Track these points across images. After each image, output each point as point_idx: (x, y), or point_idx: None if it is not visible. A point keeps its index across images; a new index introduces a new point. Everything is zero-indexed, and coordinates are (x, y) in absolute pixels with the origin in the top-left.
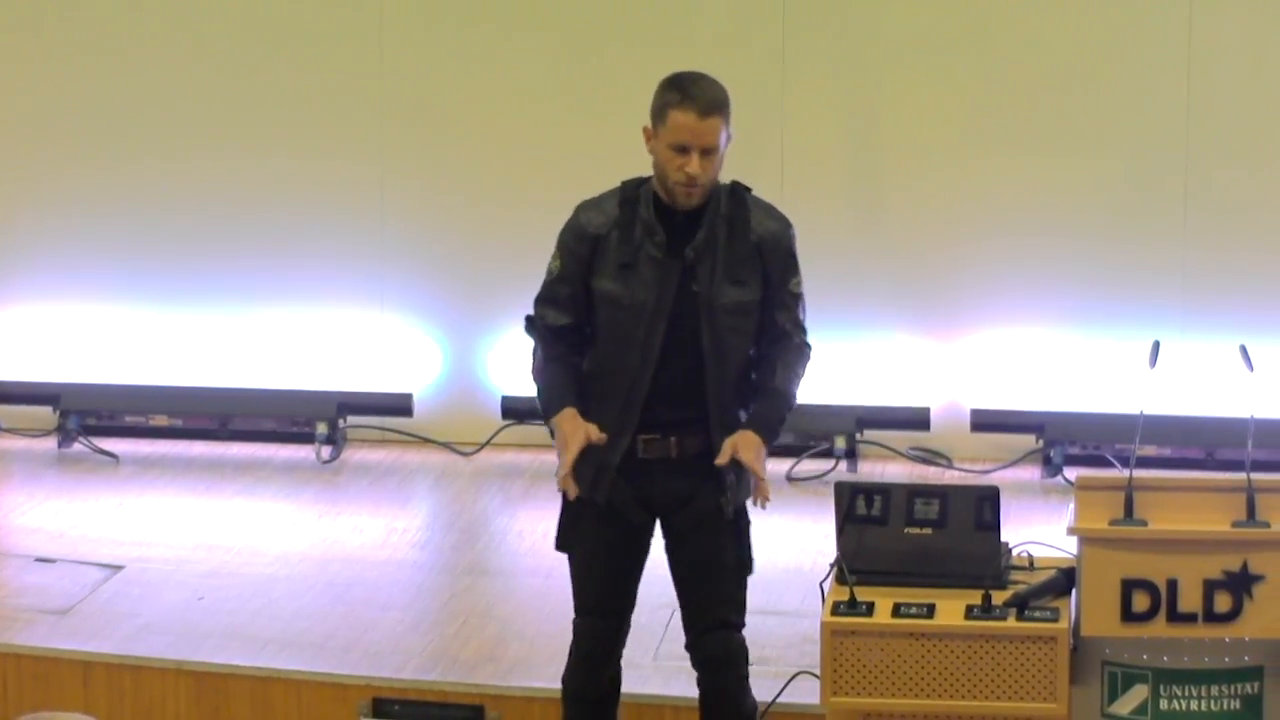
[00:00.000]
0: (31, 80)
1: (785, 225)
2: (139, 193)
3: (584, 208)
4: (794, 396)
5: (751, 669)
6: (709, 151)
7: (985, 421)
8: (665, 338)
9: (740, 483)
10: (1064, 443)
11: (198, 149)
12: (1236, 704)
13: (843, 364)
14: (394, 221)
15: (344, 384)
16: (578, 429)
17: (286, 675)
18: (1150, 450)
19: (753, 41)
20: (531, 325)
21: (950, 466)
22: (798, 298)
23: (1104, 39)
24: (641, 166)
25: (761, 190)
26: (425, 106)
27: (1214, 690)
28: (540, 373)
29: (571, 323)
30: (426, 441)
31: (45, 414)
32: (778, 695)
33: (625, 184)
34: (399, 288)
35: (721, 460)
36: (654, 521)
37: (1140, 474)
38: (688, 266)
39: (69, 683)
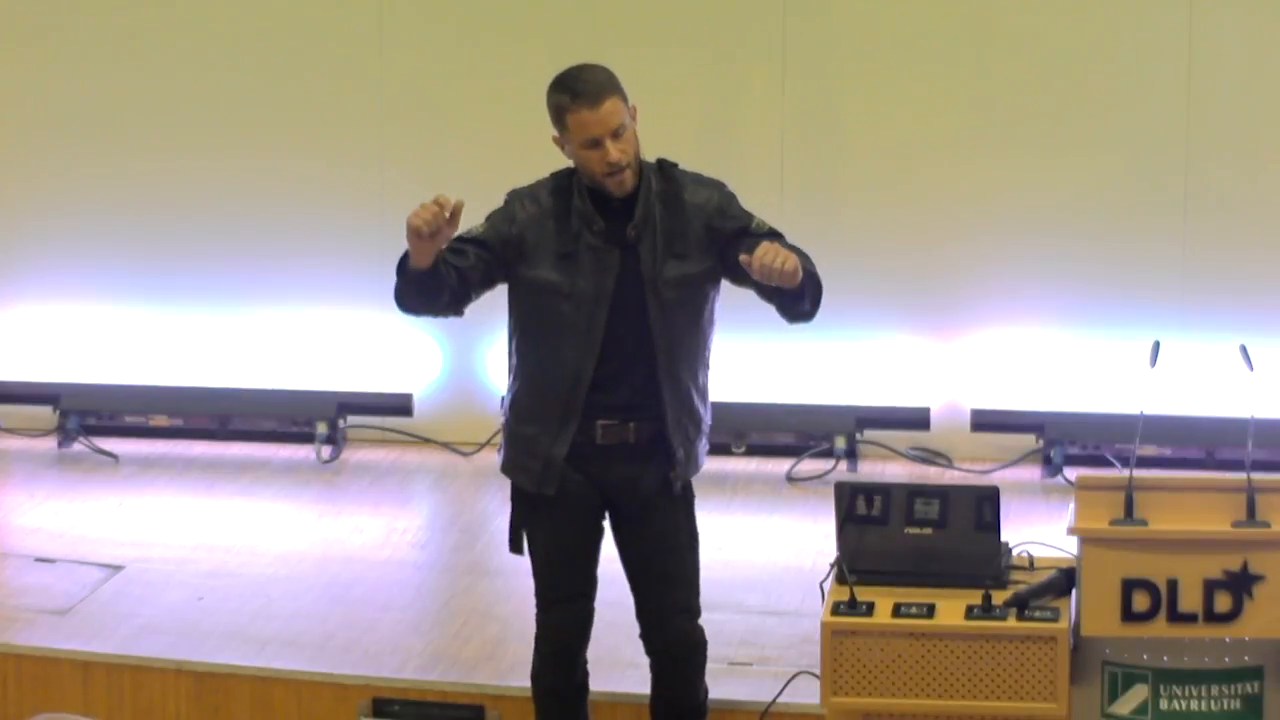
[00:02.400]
0: (32, 81)
1: (717, 187)
2: (139, 193)
3: (516, 196)
4: (806, 258)
5: (751, 669)
6: (618, 132)
7: (985, 421)
8: (611, 325)
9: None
10: (1064, 443)
11: (198, 149)
12: (1237, 704)
13: (843, 364)
14: (394, 221)
15: (344, 384)
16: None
17: (286, 675)
18: (1150, 450)
19: (753, 41)
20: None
21: (950, 466)
22: (771, 233)
23: (1104, 39)
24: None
25: (762, 190)
26: (425, 106)
27: (1214, 690)
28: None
29: (460, 268)
30: (426, 441)
31: (45, 414)
32: (778, 695)
33: (555, 174)
34: None
35: (746, 259)
36: (605, 506)
37: (1140, 474)
38: (629, 246)
39: (69, 683)
